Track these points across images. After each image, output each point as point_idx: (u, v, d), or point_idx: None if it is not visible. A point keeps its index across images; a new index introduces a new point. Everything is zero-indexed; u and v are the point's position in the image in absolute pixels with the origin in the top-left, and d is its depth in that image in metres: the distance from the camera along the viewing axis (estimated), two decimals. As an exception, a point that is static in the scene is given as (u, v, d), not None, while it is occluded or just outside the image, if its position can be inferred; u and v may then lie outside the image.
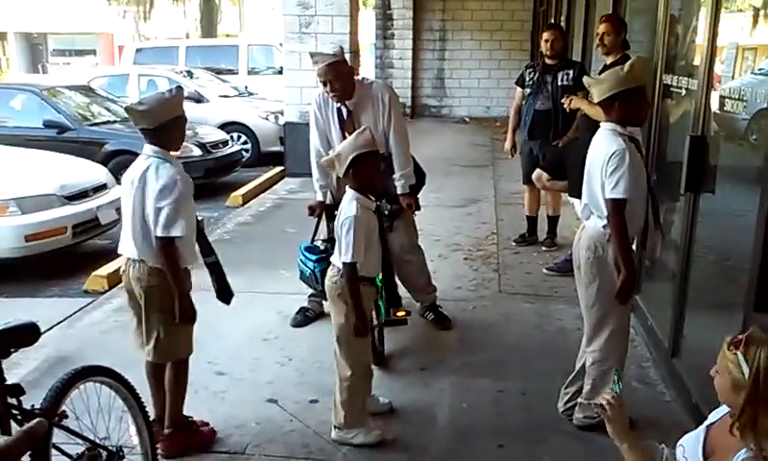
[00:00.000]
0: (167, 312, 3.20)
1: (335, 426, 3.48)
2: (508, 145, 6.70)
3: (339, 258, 3.30)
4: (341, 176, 3.33)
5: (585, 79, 3.62)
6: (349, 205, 3.26)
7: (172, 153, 3.24)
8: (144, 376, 3.37)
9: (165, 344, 3.25)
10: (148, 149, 3.18)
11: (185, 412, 3.45)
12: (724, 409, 1.96)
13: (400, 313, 4.53)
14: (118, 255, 6.14)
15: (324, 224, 4.50)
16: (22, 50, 36.37)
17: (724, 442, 1.87)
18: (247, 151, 11.45)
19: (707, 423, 2.01)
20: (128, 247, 3.23)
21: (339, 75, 4.08)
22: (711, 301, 3.92)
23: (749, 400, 1.75)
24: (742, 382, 1.78)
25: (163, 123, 3.13)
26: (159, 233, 3.10)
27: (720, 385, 1.87)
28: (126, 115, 9.95)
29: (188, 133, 9.70)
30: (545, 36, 6.04)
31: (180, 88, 3.35)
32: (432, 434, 3.59)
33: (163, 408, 3.41)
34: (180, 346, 3.32)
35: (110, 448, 2.75)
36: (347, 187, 3.34)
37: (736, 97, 3.60)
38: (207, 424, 3.54)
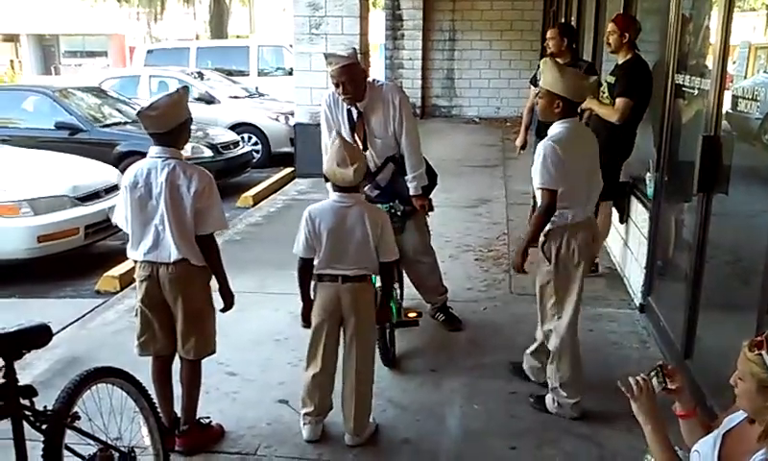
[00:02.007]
0: (205, 307, 3.31)
1: (356, 435, 3.47)
2: (519, 142, 6.81)
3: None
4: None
5: (546, 61, 3.73)
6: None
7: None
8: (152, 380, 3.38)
9: (205, 339, 3.34)
10: (162, 151, 3.16)
11: (198, 411, 3.48)
12: (739, 416, 1.93)
13: (412, 314, 4.53)
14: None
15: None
16: (34, 52, 36.63)
17: (740, 448, 1.84)
18: (257, 152, 11.47)
19: (722, 429, 1.98)
20: (158, 251, 3.17)
21: (352, 77, 4.07)
22: (724, 302, 3.89)
23: None
24: None
25: (175, 127, 3.15)
26: (208, 231, 3.23)
27: (744, 391, 1.83)
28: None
29: (199, 134, 9.83)
30: (547, 34, 6.15)
31: (186, 88, 3.37)
32: (443, 435, 3.58)
33: (171, 412, 3.44)
34: (214, 340, 3.40)
35: (122, 448, 2.76)
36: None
37: (749, 97, 3.57)
38: (209, 419, 3.58)
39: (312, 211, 3.38)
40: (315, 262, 3.39)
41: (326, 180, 3.45)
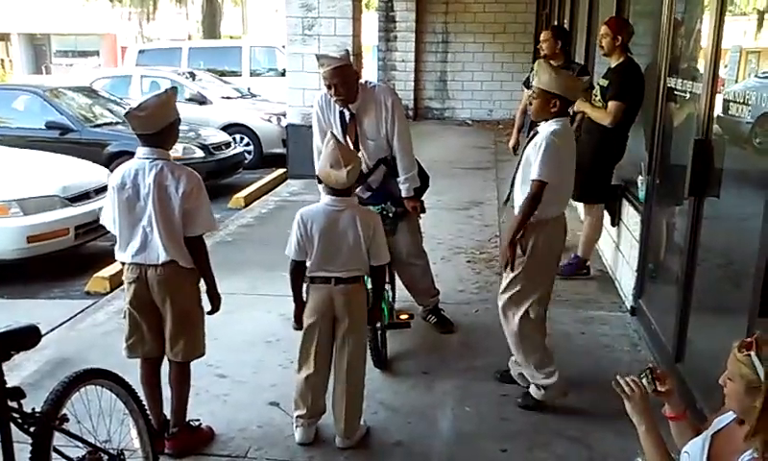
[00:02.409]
0: (193, 309, 3.28)
1: (347, 437, 3.45)
2: (512, 143, 6.84)
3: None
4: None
5: (541, 62, 3.78)
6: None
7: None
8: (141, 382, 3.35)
9: (194, 341, 3.31)
10: (150, 151, 3.12)
11: (188, 413, 3.46)
12: (728, 417, 1.94)
13: (403, 316, 4.53)
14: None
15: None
16: (26, 51, 36.43)
17: (729, 448, 1.85)
18: (249, 153, 11.45)
19: (711, 431, 1.98)
20: (146, 252, 3.14)
21: (344, 79, 4.05)
22: (716, 305, 3.89)
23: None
24: (757, 383, 1.75)
25: (163, 127, 3.11)
26: (197, 232, 3.18)
27: (732, 391, 1.84)
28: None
29: (190, 134, 9.79)
30: (541, 37, 6.16)
31: (174, 89, 3.32)
32: (435, 438, 3.57)
33: (160, 414, 3.43)
34: (203, 342, 3.37)
35: (111, 451, 2.74)
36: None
37: (740, 101, 3.58)
38: (199, 421, 3.55)
39: (304, 214, 3.35)
40: (307, 264, 3.38)
41: (319, 181, 3.44)
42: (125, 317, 3.32)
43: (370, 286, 3.59)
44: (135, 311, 3.25)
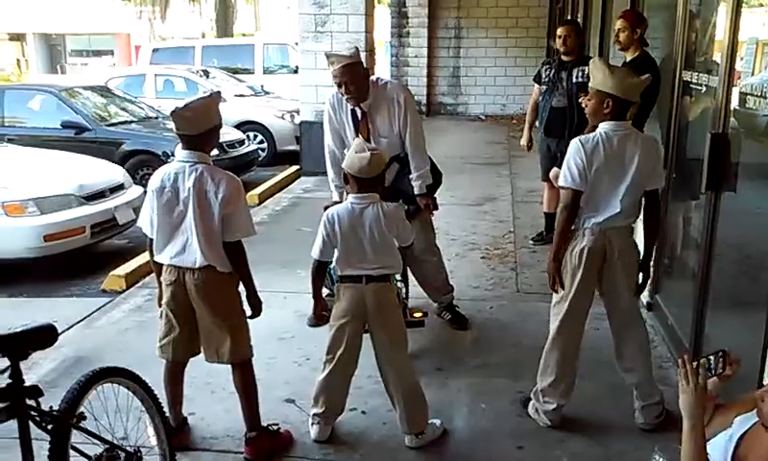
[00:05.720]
0: (234, 312, 3.27)
1: (417, 435, 3.43)
2: (524, 141, 6.81)
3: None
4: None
5: (595, 60, 3.49)
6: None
7: None
8: (162, 380, 3.36)
9: (241, 342, 3.29)
10: (190, 155, 3.09)
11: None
12: (751, 418, 1.91)
13: (417, 314, 4.51)
14: (135, 255, 6.15)
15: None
16: (41, 51, 36.75)
17: (754, 452, 1.83)
18: (263, 150, 11.49)
19: (736, 434, 1.95)
20: (184, 255, 3.12)
21: (354, 77, 4.04)
22: (733, 300, 3.86)
23: None
24: None
25: (205, 130, 3.10)
26: (236, 237, 3.14)
27: None
28: (143, 116, 10.01)
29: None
30: (559, 32, 6.06)
31: (219, 93, 3.32)
32: (450, 435, 3.57)
33: (179, 414, 3.44)
34: (248, 344, 3.36)
35: (128, 448, 2.76)
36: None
37: (757, 94, 3.55)
38: (278, 425, 3.52)
39: (330, 214, 3.34)
40: (332, 264, 3.38)
41: (346, 181, 3.41)
42: (161, 317, 3.33)
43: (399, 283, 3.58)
44: (172, 313, 3.26)
